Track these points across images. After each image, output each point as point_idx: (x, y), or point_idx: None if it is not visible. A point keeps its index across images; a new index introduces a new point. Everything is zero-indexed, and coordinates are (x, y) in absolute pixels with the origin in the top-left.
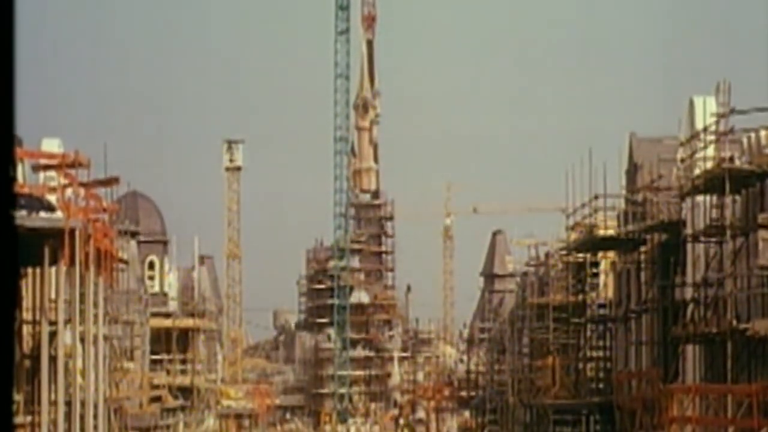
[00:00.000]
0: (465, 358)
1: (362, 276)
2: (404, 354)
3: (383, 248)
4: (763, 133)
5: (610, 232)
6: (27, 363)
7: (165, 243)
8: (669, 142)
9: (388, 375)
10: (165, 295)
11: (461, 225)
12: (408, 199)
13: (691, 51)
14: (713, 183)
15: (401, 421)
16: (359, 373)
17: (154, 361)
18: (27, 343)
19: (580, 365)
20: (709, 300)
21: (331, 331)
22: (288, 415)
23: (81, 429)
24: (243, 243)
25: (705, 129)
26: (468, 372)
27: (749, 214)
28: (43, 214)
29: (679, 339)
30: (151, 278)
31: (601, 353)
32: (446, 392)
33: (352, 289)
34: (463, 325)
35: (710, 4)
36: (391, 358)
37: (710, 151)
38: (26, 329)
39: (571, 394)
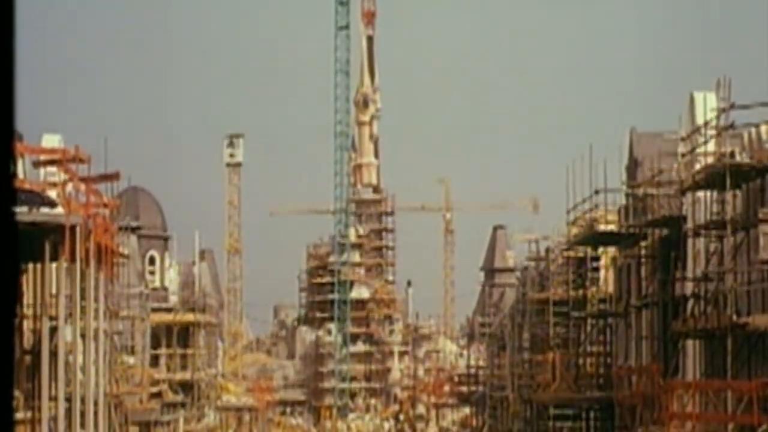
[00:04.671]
0: (465, 353)
1: (363, 271)
2: (404, 349)
3: (384, 243)
4: (763, 128)
5: (611, 227)
6: (27, 359)
7: (165, 238)
8: (669, 138)
9: (389, 370)
10: (165, 290)
11: (462, 220)
12: (408, 194)
13: (692, 46)
14: (714, 178)
15: (401, 417)
16: (359, 368)
17: (154, 357)
18: (27, 339)
19: (580, 360)
20: (709, 295)
21: (332, 326)
22: (288, 411)
23: (81, 425)
24: (243, 238)
25: (705, 124)
26: (468, 367)
27: (750, 209)
28: (43, 209)
29: (679, 334)
30: (152, 273)
31: (601, 348)
32: (446, 388)
33: (352, 284)
34: (464, 320)
35: None
36: (392, 354)
37: (711, 146)
38: (27, 325)
39: (571, 389)
